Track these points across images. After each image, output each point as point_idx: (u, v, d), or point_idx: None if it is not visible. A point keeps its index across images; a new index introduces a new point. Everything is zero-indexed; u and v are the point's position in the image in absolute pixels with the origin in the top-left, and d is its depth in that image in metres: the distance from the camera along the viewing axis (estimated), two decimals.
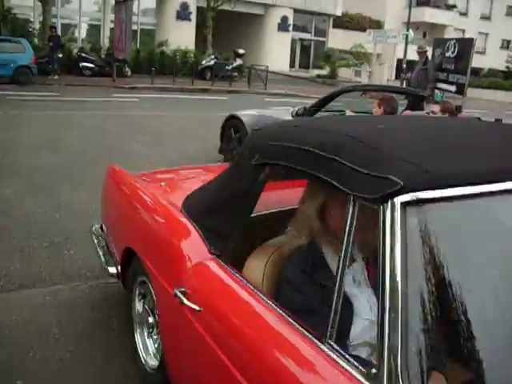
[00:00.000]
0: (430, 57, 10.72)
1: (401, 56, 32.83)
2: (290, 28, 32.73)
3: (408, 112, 5.52)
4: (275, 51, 31.76)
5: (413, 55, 30.51)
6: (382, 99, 5.34)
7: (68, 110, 10.88)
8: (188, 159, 6.84)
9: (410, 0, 28.49)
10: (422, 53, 10.63)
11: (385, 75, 32.17)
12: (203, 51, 24.79)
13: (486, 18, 42.67)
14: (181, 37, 26.11)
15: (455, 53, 9.83)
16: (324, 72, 30.22)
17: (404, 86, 11.06)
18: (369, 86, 7.25)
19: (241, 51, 24.17)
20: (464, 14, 40.88)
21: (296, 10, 32.66)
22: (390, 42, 30.19)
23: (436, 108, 5.55)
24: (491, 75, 40.44)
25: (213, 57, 23.08)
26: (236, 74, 23.41)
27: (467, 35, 41.35)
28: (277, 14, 31.87)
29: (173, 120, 10.12)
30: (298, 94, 21.29)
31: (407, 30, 27.80)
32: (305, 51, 35.65)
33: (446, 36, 40.33)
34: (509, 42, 44.47)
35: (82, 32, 26.93)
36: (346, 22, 36.33)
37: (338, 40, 34.98)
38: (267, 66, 21.62)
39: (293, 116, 5.65)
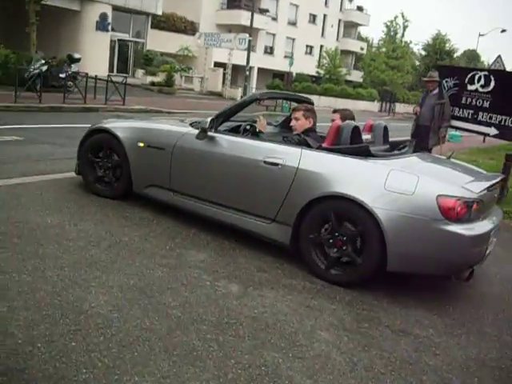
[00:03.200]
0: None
1: (217, 59, 31.13)
2: (110, 27, 28.34)
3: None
4: (93, 53, 27.12)
5: (236, 60, 29.07)
6: (307, 110, 4.82)
7: None
8: None
9: (252, 4, 26.46)
10: (432, 82, 8.55)
11: (219, 82, 30.02)
12: (17, 53, 19.29)
13: (293, 23, 43.62)
14: None
15: (491, 87, 8.02)
16: (158, 79, 26.69)
17: (414, 121, 8.86)
18: (274, 94, 6.48)
19: (77, 55, 19.61)
20: (275, 19, 41.04)
21: (115, 8, 28.44)
22: (224, 46, 28.27)
23: (336, 116, 5.01)
24: (301, 80, 41.46)
25: (43, 62, 17.99)
26: (71, 83, 18.77)
27: (277, 40, 41.73)
28: (95, 10, 27.31)
29: None
30: (162, 110, 17.89)
31: (250, 35, 25.98)
32: (123, 54, 31.47)
33: (260, 39, 39.92)
34: (312, 47, 46.30)
35: None
36: (162, 22, 33.23)
37: (157, 42, 31.73)
38: (126, 77, 17.58)
39: (198, 128, 4.79)
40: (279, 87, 39.55)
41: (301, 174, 4.11)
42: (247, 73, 26.26)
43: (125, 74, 29.35)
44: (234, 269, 4.09)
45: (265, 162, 4.28)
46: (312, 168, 4.10)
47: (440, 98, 8.44)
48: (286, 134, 5.24)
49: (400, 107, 42.07)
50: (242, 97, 27.98)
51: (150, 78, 26.90)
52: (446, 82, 8.69)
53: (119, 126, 5.30)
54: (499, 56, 20.01)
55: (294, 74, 44.14)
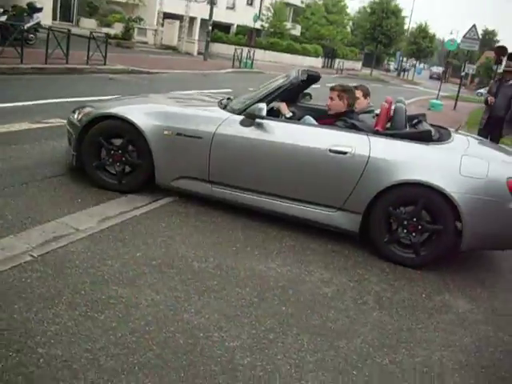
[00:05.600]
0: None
1: (164, 9, 29.43)
2: None
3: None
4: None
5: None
6: (342, 91, 4.60)
7: None
8: None
9: None
10: (510, 73, 8.42)
11: (175, 36, 28.28)
12: None
13: None
14: None
15: None
16: (114, 31, 24.61)
17: (484, 110, 8.78)
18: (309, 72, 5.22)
19: (38, 5, 17.44)
20: None
21: None
22: None
23: (359, 93, 5.06)
24: (244, 32, 40.29)
25: (1, 11, 15.93)
26: (33, 35, 16.97)
27: None
28: None
29: None
30: (142, 70, 16.64)
31: None
32: (65, 0, 28.66)
33: None
34: None
35: None
36: None
37: None
38: (107, 34, 15.93)
39: (233, 111, 4.52)
40: (222, 38, 38.24)
41: (373, 162, 4.06)
42: (210, 28, 24.80)
43: (69, 23, 27.04)
44: None
45: (331, 150, 4.13)
46: (384, 155, 4.08)
47: None
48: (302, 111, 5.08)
49: (340, 64, 42.14)
50: (200, 53, 26.62)
51: (105, 30, 24.68)
52: None
53: (135, 111, 4.59)
54: (474, 25, 20.34)
55: (235, 27, 42.72)
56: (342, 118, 4.53)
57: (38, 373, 2.31)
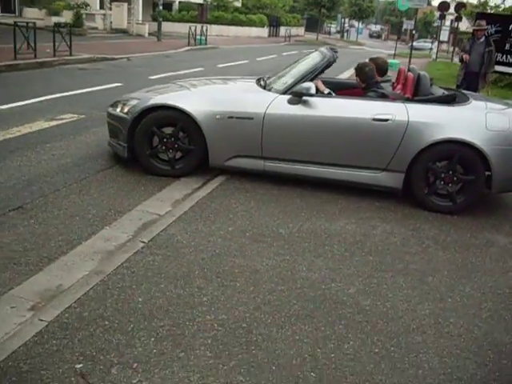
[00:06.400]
0: None
1: None
2: None
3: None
4: None
5: None
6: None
7: None
8: None
9: None
10: (480, 31, 9.14)
11: (125, 18, 27.83)
12: None
13: None
14: None
15: None
16: (63, 19, 23.96)
17: (461, 67, 9.49)
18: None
19: None
20: None
21: None
22: None
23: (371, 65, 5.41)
24: (188, 9, 39.87)
25: None
26: None
27: None
28: None
29: None
30: (107, 57, 16.59)
31: None
32: None
33: None
34: None
35: None
36: None
37: None
38: (68, 23, 15.71)
39: (271, 89, 5.06)
40: (166, 17, 37.71)
41: (412, 126, 4.62)
42: (161, 7, 24.58)
43: (11, 14, 26.14)
44: None
45: (374, 119, 4.67)
46: (420, 119, 4.64)
47: (488, 46, 9.04)
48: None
49: (287, 31, 42.42)
50: (151, 34, 26.38)
51: (54, 19, 24.04)
52: (489, 28, 9.32)
53: (184, 99, 4.98)
54: None
55: (178, 3, 42.13)
56: (372, 89, 5.05)
57: (215, 334, 2.74)
